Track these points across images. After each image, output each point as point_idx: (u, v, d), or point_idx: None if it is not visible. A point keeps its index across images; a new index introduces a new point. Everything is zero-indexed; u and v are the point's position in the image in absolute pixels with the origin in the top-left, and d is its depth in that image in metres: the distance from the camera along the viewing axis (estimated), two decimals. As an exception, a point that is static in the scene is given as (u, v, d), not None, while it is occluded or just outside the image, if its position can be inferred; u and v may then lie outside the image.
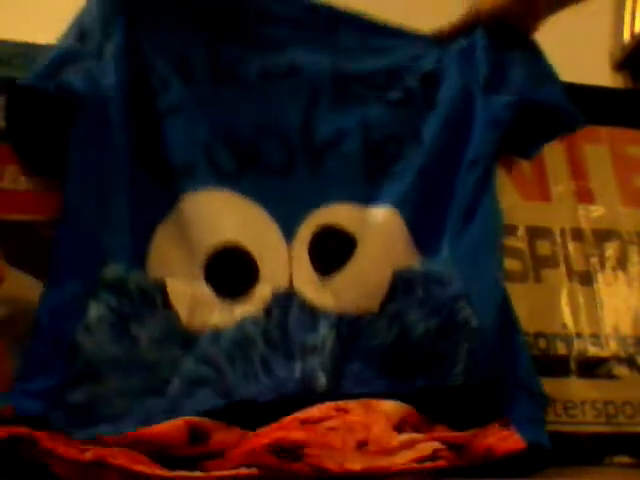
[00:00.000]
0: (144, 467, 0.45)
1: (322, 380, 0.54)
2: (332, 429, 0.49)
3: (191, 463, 0.47)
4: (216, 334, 0.55)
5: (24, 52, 0.68)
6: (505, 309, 0.61)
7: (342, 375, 0.56)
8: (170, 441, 0.48)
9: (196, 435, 0.48)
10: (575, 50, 0.70)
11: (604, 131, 0.77)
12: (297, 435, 0.47)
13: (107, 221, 0.57)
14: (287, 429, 0.48)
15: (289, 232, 0.61)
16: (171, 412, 0.51)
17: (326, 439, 0.47)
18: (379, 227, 0.63)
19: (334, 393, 0.54)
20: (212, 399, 0.53)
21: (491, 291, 0.61)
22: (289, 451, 0.46)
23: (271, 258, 0.60)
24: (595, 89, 0.80)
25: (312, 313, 0.58)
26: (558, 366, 0.64)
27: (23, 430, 0.46)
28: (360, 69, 0.69)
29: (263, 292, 0.58)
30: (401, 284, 0.60)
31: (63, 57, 0.59)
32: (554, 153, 0.74)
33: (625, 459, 0.61)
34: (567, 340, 0.66)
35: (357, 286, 0.60)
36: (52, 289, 0.55)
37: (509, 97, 0.68)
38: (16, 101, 0.60)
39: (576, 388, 0.64)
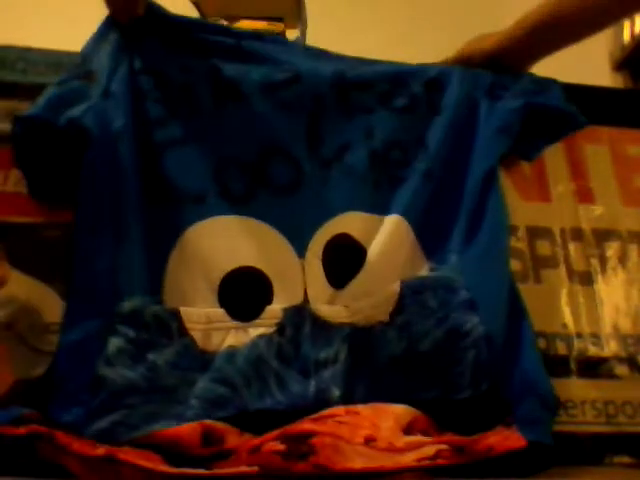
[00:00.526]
0: (149, 463, 0.47)
1: (336, 394, 0.56)
2: (342, 423, 0.51)
3: (202, 464, 0.49)
4: (231, 354, 0.57)
5: (26, 57, 0.69)
6: (515, 313, 0.61)
7: (354, 388, 0.57)
8: (183, 442, 0.50)
9: (210, 438, 0.51)
10: (575, 50, 0.70)
11: (604, 131, 0.77)
12: (306, 426, 0.50)
13: (121, 257, 0.59)
14: (297, 424, 0.51)
15: (301, 247, 0.62)
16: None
17: (335, 429, 0.50)
18: (387, 236, 0.64)
19: (347, 403, 0.55)
20: (228, 417, 0.53)
21: (500, 297, 0.61)
22: (297, 440, 0.49)
23: (285, 276, 0.61)
24: (595, 89, 0.79)
25: (325, 327, 0.59)
26: (558, 366, 0.64)
27: (41, 428, 0.48)
28: (362, 75, 0.69)
29: (276, 310, 0.59)
30: (409, 293, 0.62)
31: (71, 93, 0.61)
32: (554, 153, 0.74)
33: (625, 459, 0.61)
34: (567, 340, 0.66)
35: (367, 296, 0.62)
36: (71, 328, 0.57)
37: (514, 103, 0.69)
38: (22, 131, 0.61)
39: (576, 388, 0.63)
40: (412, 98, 0.69)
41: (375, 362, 0.59)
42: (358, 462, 0.49)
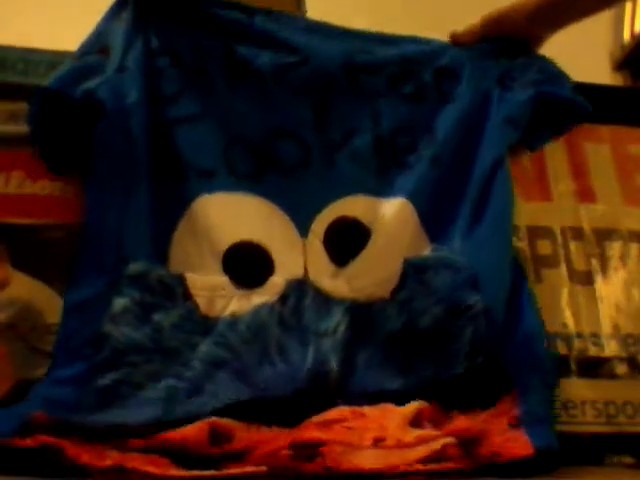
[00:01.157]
0: (158, 469, 0.48)
1: (333, 364, 0.57)
2: (350, 428, 0.52)
3: (213, 464, 0.50)
4: (233, 320, 0.58)
5: (27, 58, 0.69)
6: (518, 289, 0.62)
7: (353, 360, 0.58)
8: (192, 443, 0.51)
9: (219, 436, 0.51)
10: (575, 50, 0.70)
11: (606, 130, 0.76)
12: (315, 434, 0.51)
13: (128, 222, 0.60)
14: (306, 430, 0.51)
15: (304, 227, 0.64)
16: (192, 393, 0.55)
17: (344, 437, 0.51)
18: (392, 218, 0.65)
19: (345, 380, 0.57)
20: (229, 381, 0.56)
21: (501, 276, 0.62)
22: (307, 448, 0.49)
23: (286, 252, 0.62)
24: (597, 88, 0.79)
25: (326, 300, 0.60)
26: (558, 366, 0.64)
27: (50, 439, 0.49)
28: (372, 59, 0.70)
29: (278, 282, 0.61)
30: (411, 271, 0.63)
31: (86, 68, 0.62)
32: (555, 152, 0.74)
33: (626, 459, 0.61)
34: (567, 340, 0.66)
35: (370, 274, 0.63)
36: (78, 285, 0.59)
37: (523, 94, 0.69)
38: (40, 103, 0.62)
39: (576, 388, 0.63)
40: (421, 86, 0.70)
41: (374, 336, 0.60)
42: (367, 463, 0.49)
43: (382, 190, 0.66)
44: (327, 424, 0.53)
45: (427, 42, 0.73)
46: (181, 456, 0.50)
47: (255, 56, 0.67)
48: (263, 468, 0.49)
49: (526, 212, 0.71)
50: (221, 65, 0.66)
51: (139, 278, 0.58)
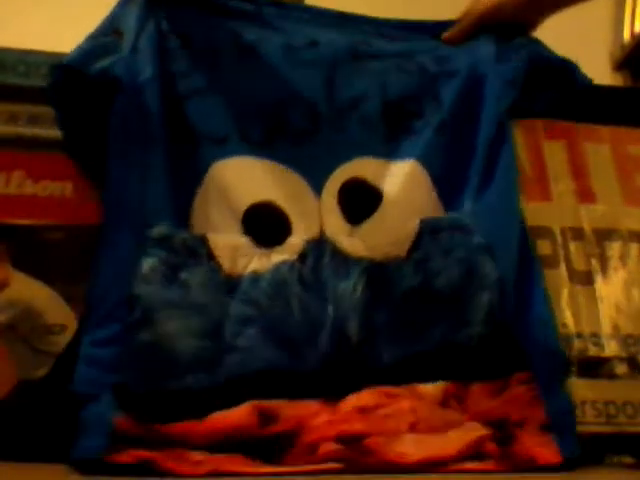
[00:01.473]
0: (250, 467, 0.52)
1: (353, 325, 0.59)
2: (387, 416, 0.55)
3: (271, 453, 0.53)
4: (255, 277, 0.61)
5: (27, 60, 0.70)
6: (527, 260, 0.64)
7: (372, 322, 0.60)
8: (242, 427, 0.54)
9: (265, 417, 0.55)
10: (575, 50, 0.70)
11: (606, 130, 0.76)
12: (358, 426, 0.54)
13: (148, 189, 0.63)
14: (348, 421, 0.55)
15: (318, 187, 0.66)
16: (227, 352, 0.57)
17: (383, 427, 0.55)
18: (404, 178, 0.67)
19: (365, 345, 0.59)
20: (260, 340, 0.58)
21: (512, 245, 0.64)
22: (353, 441, 0.54)
23: (302, 212, 0.65)
24: (597, 88, 0.78)
25: (344, 259, 0.63)
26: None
27: (145, 454, 0.52)
28: (375, 50, 0.73)
29: (297, 241, 0.63)
30: (427, 231, 0.65)
31: (100, 48, 0.65)
32: (555, 152, 0.74)
33: (626, 459, 0.61)
34: (567, 340, 0.66)
35: (385, 233, 0.65)
36: (105, 249, 0.61)
37: (519, 60, 0.71)
38: (58, 79, 0.64)
39: (576, 388, 0.63)
40: (423, 64, 0.73)
41: (391, 296, 0.62)
42: (410, 453, 0.54)
43: (391, 153, 0.69)
44: (366, 412, 0.56)
45: (427, 38, 0.76)
46: (233, 439, 0.53)
47: (264, 39, 0.70)
48: (339, 465, 0.52)
49: (526, 212, 0.71)
50: (230, 46, 0.69)
51: (164, 240, 0.60)
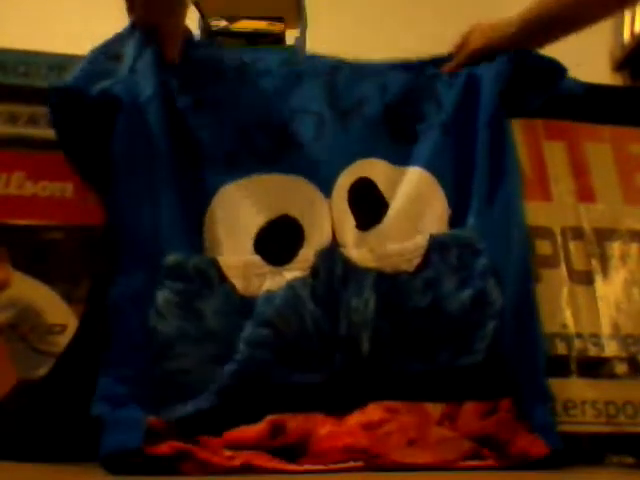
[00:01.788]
0: (280, 464, 0.54)
1: (366, 343, 0.60)
2: (388, 434, 0.58)
3: (287, 457, 0.55)
4: (270, 296, 0.61)
5: (27, 60, 0.70)
6: (527, 285, 0.65)
7: (381, 338, 0.61)
8: (257, 439, 0.56)
9: (275, 428, 0.56)
10: (575, 50, 0.70)
11: (606, 129, 0.76)
12: (362, 442, 0.57)
13: (159, 215, 0.62)
14: (354, 435, 0.57)
15: (327, 188, 0.66)
16: (242, 374, 0.58)
17: (384, 443, 0.57)
18: (414, 187, 0.68)
19: (374, 360, 0.60)
20: (273, 361, 0.59)
21: (515, 268, 0.64)
22: (359, 452, 0.56)
23: (314, 217, 0.65)
24: (597, 87, 0.78)
25: (354, 271, 0.63)
26: (558, 366, 0.64)
27: (182, 445, 0.54)
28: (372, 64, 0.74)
29: (308, 254, 0.63)
30: (437, 248, 0.65)
31: (100, 70, 0.64)
32: (555, 152, 0.74)
33: (626, 459, 0.61)
34: (567, 340, 0.66)
35: (392, 243, 0.65)
36: (119, 282, 0.61)
37: (504, 56, 0.71)
38: (59, 102, 0.64)
39: (576, 388, 0.64)
40: (419, 64, 0.74)
41: (401, 311, 0.63)
42: (420, 457, 0.57)
43: (397, 157, 0.69)
44: (370, 428, 0.58)
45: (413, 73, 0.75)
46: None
47: (261, 59, 0.71)
48: (360, 463, 0.55)
49: (526, 212, 0.71)
50: (231, 67, 0.70)
51: (176, 268, 0.61)
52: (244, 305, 0.61)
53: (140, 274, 0.60)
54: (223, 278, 0.61)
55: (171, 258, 0.61)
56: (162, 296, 0.60)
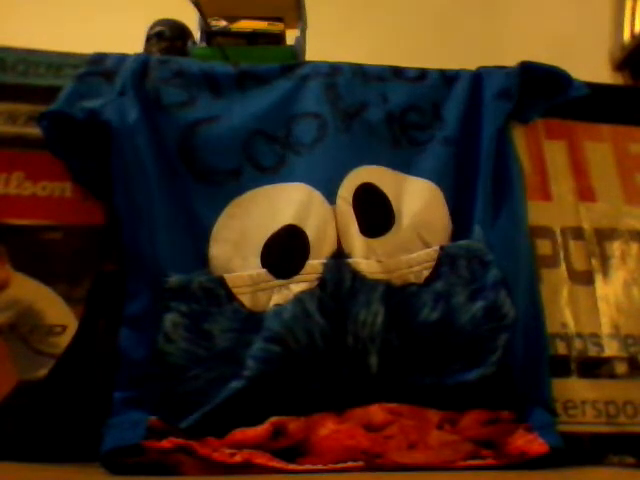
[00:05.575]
0: (279, 463, 0.55)
1: (373, 358, 0.60)
2: (389, 437, 0.58)
3: (287, 458, 0.56)
4: (278, 311, 0.61)
5: (27, 59, 0.70)
6: (535, 301, 0.65)
7: (389, 350, 0.61)
8: (259, 440, 0.56)
9: (277, 431, 0.57)
10: (575, 50, 0.70)
11: (606, 129, 0.76)
12: (364, 445, 0.57)
13: (156, 235, 0.62)
14: (355, 437, 0.57)
15: (331, 194, 0.66)
16: (252, 391, 0.58)
17: (385, 446, 0.57)
18: (421, 198, 0.67)
19: (382, 373, 0.60)
20: (283, 376, 0.59)
21: (526, 282, 0.65)
22: (360, 454, 0.56)
23: (319, 226, 0.64)
24: (597, 87, 0.78)
25: (362, 282, 0.62)
26: (558, 366, 0.64)
27: (183, 441, 0.55)
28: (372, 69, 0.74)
29: (315, 264, 0.63)
30: (447, 260, 0.64)
31: (88, 89, 0.65)
32: (555, 152, 0.74)
33: (626, 459, 0.61)
34: (567, 340, 0.66)
35: (401, 254, 0.65)
36: (128, 300, 0.62)
37: (510, 68, 0.72)
38: (49, 125, 0.65)
39: (576, 388, 0.64)
40: (423, 71, 0.73)
41: (410, 324, 0.62)
42: (421, 458, 0.58)
43: (399, 164, 0.69)
44: (371, 429, 0.58)
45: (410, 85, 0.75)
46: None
47: (259, 69, 0.71)
48: (360, 464, 0.56)
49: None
50: (229, 75, 0.70)
51: (181, 290, 0.60)
52: (252, 321, 0.61)
53: (144, 296, 0.61)
54: (231, 296, 0.61)
55: (173, 279, 0.61)
56: (169, 319, 0.60)
